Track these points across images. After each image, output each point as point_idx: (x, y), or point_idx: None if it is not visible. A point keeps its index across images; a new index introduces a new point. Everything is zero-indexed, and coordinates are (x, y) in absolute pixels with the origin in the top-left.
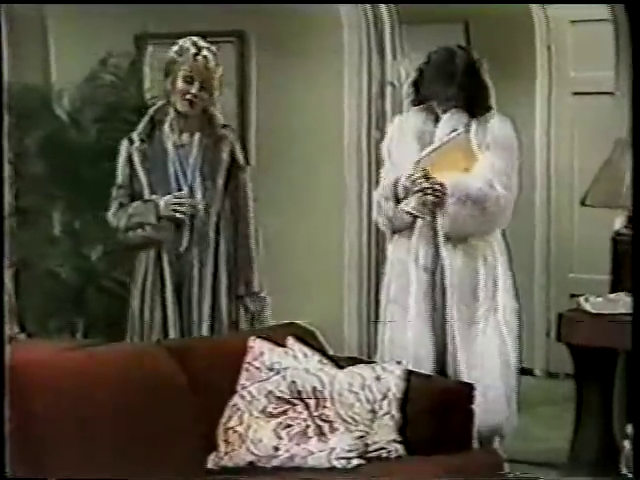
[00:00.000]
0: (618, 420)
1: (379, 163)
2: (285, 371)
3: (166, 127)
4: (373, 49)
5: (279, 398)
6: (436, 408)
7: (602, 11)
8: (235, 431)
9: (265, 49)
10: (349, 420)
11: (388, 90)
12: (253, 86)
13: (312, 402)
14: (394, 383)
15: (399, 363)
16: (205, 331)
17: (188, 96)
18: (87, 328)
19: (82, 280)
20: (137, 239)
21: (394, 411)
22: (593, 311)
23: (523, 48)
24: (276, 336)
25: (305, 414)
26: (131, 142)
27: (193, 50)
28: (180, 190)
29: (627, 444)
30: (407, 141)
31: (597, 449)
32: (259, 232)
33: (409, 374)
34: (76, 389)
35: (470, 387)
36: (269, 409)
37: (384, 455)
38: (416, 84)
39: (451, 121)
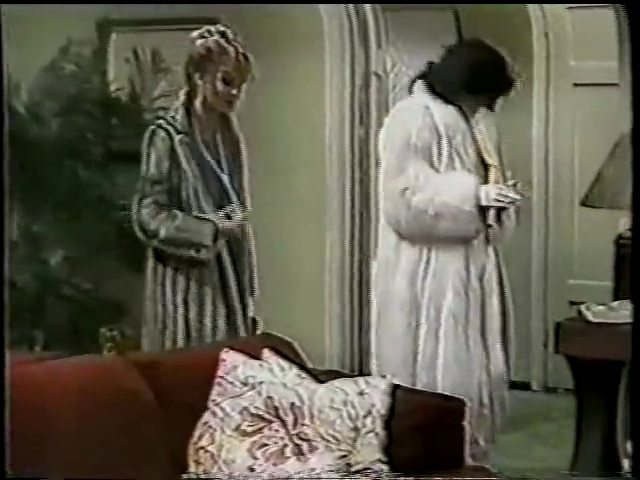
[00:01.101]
0: (622, 438)
1: (362, 162)
2: (260, 386)
3: (195, 121)
4: (355, 37)
5: (254, 415)
6: (424, 425)
7: None
8: (207, 451)
9: (239, 37)
10: (330, 439)
11: (373, 81)
12: None
13: (290, 419)
14: (379, 398)
15: (384, 377)
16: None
17: (229, 97)
18: (47, 340)
19: (40, 288)
20: (183, 255)
21: (379, 429)
22: (595, 320)
23: (518, 35)
24: (251, 348)
25: (282, 432)
26: (168, 133)
27: (232, 49)
28: (225, 195)
29: (627, 463)
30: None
31: (599, 468)
32: None
33: (395, 389)
34: (34, 406)
35: (461, 403)
36: (243, 427)
37: (368, 476)
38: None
39: (482, 121)
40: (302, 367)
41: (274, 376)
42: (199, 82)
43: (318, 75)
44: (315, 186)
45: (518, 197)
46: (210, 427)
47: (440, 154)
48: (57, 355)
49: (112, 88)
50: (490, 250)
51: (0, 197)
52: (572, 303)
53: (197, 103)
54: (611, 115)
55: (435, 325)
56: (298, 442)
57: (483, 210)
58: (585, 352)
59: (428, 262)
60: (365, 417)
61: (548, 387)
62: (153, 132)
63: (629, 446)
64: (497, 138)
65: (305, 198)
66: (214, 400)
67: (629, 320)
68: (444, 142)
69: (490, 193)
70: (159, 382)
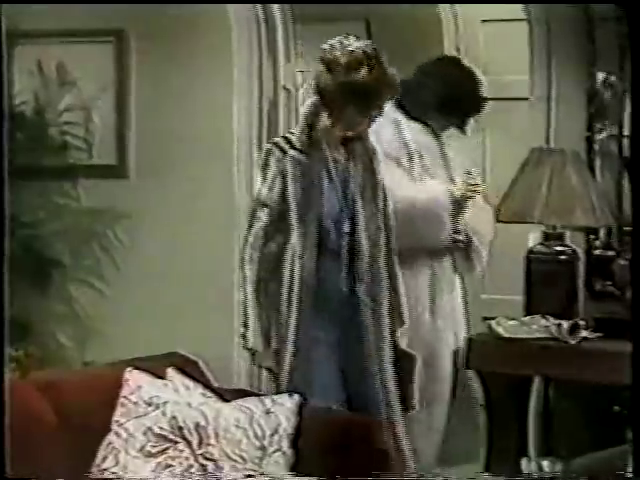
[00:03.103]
0: (535, 451)
1: None
2: (165, 406)
3: (322, 136)
4: (264, 50)
5: (158, 435)
6: (331, 443)
7: (516, 10)
8: (111, 472)
9: (146, 49)
10: (236, 458)
11: (282, 95)
12: (133, 89)
13: (195, 439)
14: (285, 417)
15: (290, 395)
16: None
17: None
18: None
19: None
20: None
21: (285, 448)
22: (505, 335)
23: (429, 48)
24: (155, 367)
25: (187, 452)
26: (282, 150)
27: (365, 66)
28: (337, 217)
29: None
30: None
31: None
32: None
33: (302, 407)
34: None
35: (378, 422)
36: (148, 448)
37: None
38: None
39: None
40: (207, 386)
41: (179, 396)
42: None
43: (227, 88)
44: (224, 202)
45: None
46: (114, 448)
47: (412, 168)
48: None
49: (16, 102)
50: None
51: (0, 198)
52: (485, 318)
53: (323, 115)
54: (522, 130)
55: None
56: (204, 462)
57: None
58: (495, 367)
59: None
60: (272, 436)
61: None
62: (270, 148)
63: (545, 464)
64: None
65: (212, 210)
66: (117, 421)
67: (540, 335)
68: (416, 159)
69: (458, 186)
70: (62, 403)
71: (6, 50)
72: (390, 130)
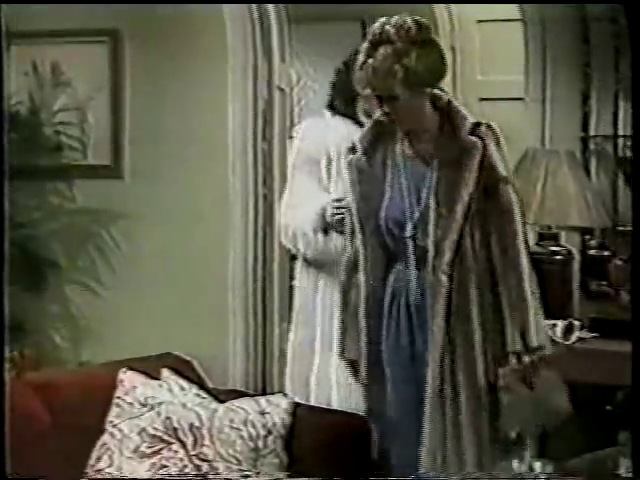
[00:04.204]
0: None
1: (266, 178)
2: (159, 406)
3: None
4: (259, 50)
5: (153, 436)
6: (326, 444)
7: (512, 10)
8: (105, 473)
9: (141, 50)
10: (230, 459)
11: (276, 96)
12: (127, 89)
13: (189, 440)
14: (279, 418)
15: (285, 395)
16: None
17: None
18: None
19: None
20: None
21: (279, 449)
22: None
23: None
24: (149, 368)
25: (182, 453)
26: (353, 151)
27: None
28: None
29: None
30: None
31: None
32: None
33: (296, 407)
34: None
35: (363, 419)
36: (142, 448)
37: None
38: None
39: None
40: (202, 387)
41: (173, 396)
42: None
43: (222, 89)
44: (219, 202)
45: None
46: (108, 449)
47: (330, 174)
48: None
49: (12, 102)
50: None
51: (0, 196)
52: None
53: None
54: (517, 130)
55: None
56: (198, 463)
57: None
58: None
59: (317, 280)
60: (266, 437)
61: None
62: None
63: (537, 465)
64: None
65: (207, 210)
66: (112, 421)
67: None
68: (334, 162)
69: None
70: (56, 404)
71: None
72: (314, 132)
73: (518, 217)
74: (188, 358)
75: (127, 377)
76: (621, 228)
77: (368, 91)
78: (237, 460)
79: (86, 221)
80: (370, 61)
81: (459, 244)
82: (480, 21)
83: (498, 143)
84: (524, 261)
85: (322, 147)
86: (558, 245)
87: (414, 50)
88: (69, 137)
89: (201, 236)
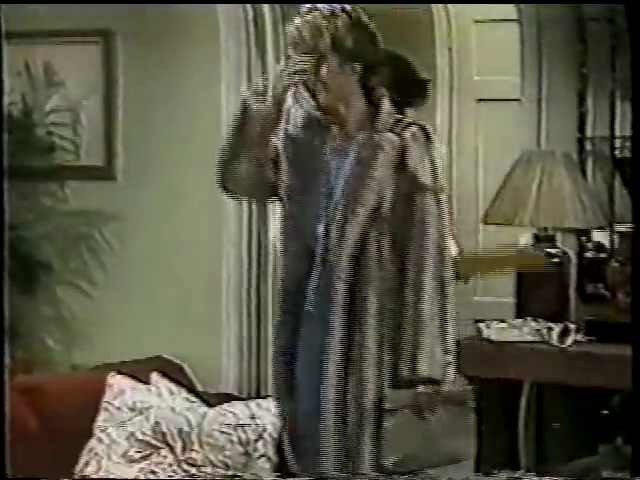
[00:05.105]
0: (525, 458)
1: None
2: (148, 411)
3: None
4: (253, 50)
5: (141, 441)
6: None
7: (509, 11)
8: (93, 478)
9: (134, 50)
10: (220, 464)
11: None
12: (120, 89)
13: (178, 445)
14: (270, 421)
15: None
16: None
17: None
18: None
19: None
20: None
21: (270, 453)
22: (495, 338)
23: (421, 49)
24: (139, 371)
25: (171, 458)
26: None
27: None
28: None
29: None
30: None
31: None
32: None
33: None
34: None
35: None
36: (131, 453)
37: None
38: None
39: None
40: (192, 390)
41: (162, 401)
42: None
43: (215, 89)
44: (213, 204)
45: None
46: (96, 454)
47: None
48: None
49: (6, 101)
50: None
51: (0, 195)
52: (477, 321)
53: None
54: (513, 131)
55: None
56: (187, 468)
57: None
58: (485, 372)
59: None
60: (256, 441)
61: None
62: None
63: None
64: None
65: (200, 210)
66: (100, 426)
67: (531, 338)
68: None
69: None
70: (44, 408)
71: None
72: None
73: (432, 230)
74: (178, 361)
75: (116, 381)
76: (618, 229)
77: (299, 51)
78: (227, 465)
79: (78, 222)
80: (299, 20)
81: (362, 250)
82: (477, 21)
83: (429, 148)
84: (427, 280)
85: None
86: (554, 247)
87: (345, 18)
88: (62, 138)
89: (194, 237)
